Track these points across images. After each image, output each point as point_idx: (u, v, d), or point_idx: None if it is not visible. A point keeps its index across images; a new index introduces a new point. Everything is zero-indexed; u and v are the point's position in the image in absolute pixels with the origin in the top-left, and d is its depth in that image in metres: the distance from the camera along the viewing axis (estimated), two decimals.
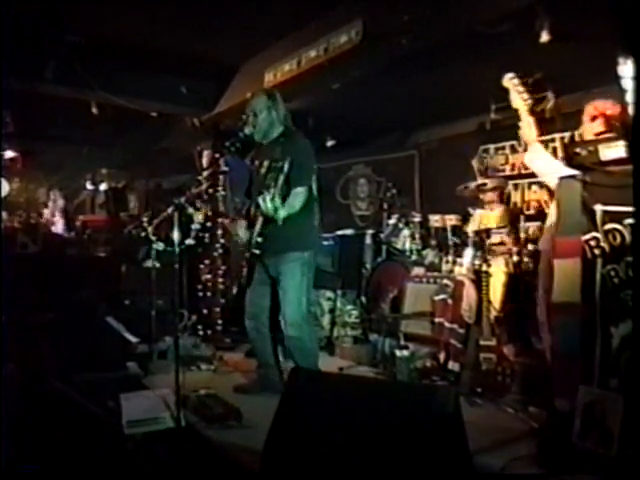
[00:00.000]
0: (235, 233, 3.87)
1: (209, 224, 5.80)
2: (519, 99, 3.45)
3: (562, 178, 2.78)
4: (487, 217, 4.63)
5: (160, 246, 4.97)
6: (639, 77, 1.31)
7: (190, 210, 5.26)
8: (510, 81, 3.46)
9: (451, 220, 5.17)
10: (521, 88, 3.43)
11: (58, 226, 8.10)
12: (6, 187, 7.61)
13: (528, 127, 3.54)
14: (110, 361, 4.01)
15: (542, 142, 3.54)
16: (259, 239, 3.51)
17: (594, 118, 3.56)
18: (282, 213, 3.30)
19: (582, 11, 3.69)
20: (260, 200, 3.28)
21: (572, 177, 2.68)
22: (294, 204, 3.41)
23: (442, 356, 4.04)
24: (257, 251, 3.54)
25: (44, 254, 6.48)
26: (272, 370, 3.81)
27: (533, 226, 4.63)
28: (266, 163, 3.58)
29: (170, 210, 3.16)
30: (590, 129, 3.58)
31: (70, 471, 2.53)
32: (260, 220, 3.47)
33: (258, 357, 3.94)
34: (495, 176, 5.95)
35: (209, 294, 5.69)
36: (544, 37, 3.81)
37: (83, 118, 6.23)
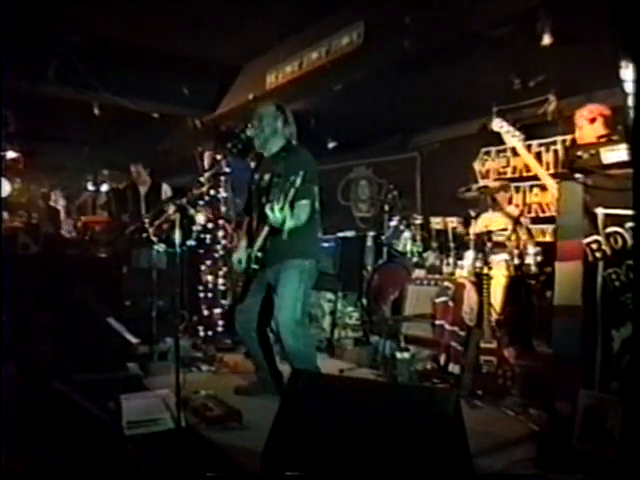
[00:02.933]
0: (235, 258, 3.86)
1: (210, 225, 5.80)
2: (512, 139, 3.55)
3: (563, 181, 2.78)
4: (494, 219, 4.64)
5: (161, 247, 4.97)
6: (638, 78, 1.32)
7: (191, 211, 5.26)
8: (498, 126, 3.58)
9: (452, 222, 5.17)
10: (510, 129, 3.54)
11: (59, 227, 8.10)
12: (7, 187, 7.60)
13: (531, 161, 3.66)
14: (110, 362, 4.01)
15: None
16: (259, 254, 3.50)
17: (593, 120, 3.58)
18: (290, 223, 3.30)
19: (583, 14, 3.69)
20: (268, 210, 3.25)
21: (574, 180, 2.68)
22: (300, 216, 3.39)
23: (443, 358, 4.04)
24: (256, 266, 3.54)
25: (45, 254, 6.47)
26: (268, 373, 3.81)
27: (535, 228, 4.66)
28: (267, 177, 3.58)
29: (171, 211, 3.16)
30: (592, 131, 3.60)
31: (70, 472, 2.52)
32: (264, 233, 3.44)
33: (253, 361, 3.93)
34: (499, 178, 6.01)
35: (210, 295, 5.69)
36: (545, 40, 3.81)
37: (85, 119, 6.24)
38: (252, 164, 3.98)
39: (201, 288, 5.72)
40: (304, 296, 3.57)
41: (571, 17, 3.79)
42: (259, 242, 3.48)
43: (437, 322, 4.19)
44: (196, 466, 2.76)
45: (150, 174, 6.05)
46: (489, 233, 4.30)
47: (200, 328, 5.48)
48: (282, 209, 3.20)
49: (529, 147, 5.90)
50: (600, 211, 2.56)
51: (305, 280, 3.56)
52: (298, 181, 3.18)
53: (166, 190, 6.02)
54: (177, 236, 3.09)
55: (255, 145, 3.67)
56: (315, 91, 5.49)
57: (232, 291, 5.74)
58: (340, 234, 6.56)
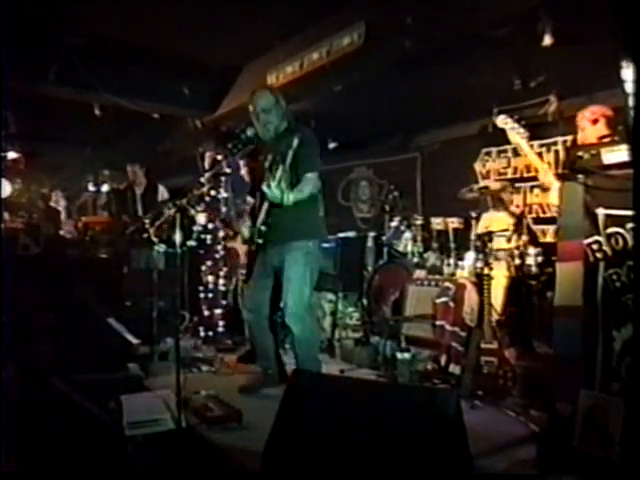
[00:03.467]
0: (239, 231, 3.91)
1: (211, 225, 5.80)
2: (516, 136, 3.54)
3: (564, 181, 2.78)
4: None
5: (162, 248, 4.97)
6: (638, 79, 1.31)
7: (192, 211, 5.26)
8: (503, 122, 3.57)
9: (453, 223, 5.17)
10: (515, 125, 3.53)
11: (60, 227, 8.11)
12: (8, 188, 7.61)
13: (535, 159, 3.64)
14: (111, 362, 4.01)
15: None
16: (263, 227, 3.53)
17: (595, 121, 3.59)
18: (290, 197, 3.35)
19: (583, 14, 3.69)
20: (265, 187, 3.33)
21: (574, 180, 2.68)
22: (303, 189, 3.42)
23: (443, 359, 4.03)
24: (260, 240, 3.56)
25: (46, 255, 6.48)
26: (272, 363, 3.81)
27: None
28: (270, 157, 3.61)
29: (172, 211, 3.16)
30: (594, 132, 3.60)
31: (70, 472, 2.52)
32: (264, 208, 3.49)
33: (257, 351, 3.92)
34: (500, 179, 6.01)
35: (210, 295, 5.69)
36: (546, 41, 3.81)
37: (85, 119, 6.25)
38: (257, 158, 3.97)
39: (201, 288, 5.72)
40: (310, 280, 3.58)
41: (571, 17, 3.79)
42: (262, 216, 3.53)
43: (438, 323, 4.18)
44: (196, 466, 2.76)
45: (146, 175, 6.06)
46: (490, 234, 4.30)
47: (201, 328, 5.48)
48: (279, 183, 3.28)
49: (530, 147, 5.90)
50: (601, 211, 2.56)
51: (310, 262, 3.57)
52: (295, 142, 3.29)
53: (162, 192, 6.03)
54: (177, 236, 3.09)
55: (264, 137, 3.65)
56: (316, 91, 5.49)
57: (234, 288, 5.73)
58: (341, 234, 6.56)
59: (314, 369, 3.50)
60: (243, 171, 5.35)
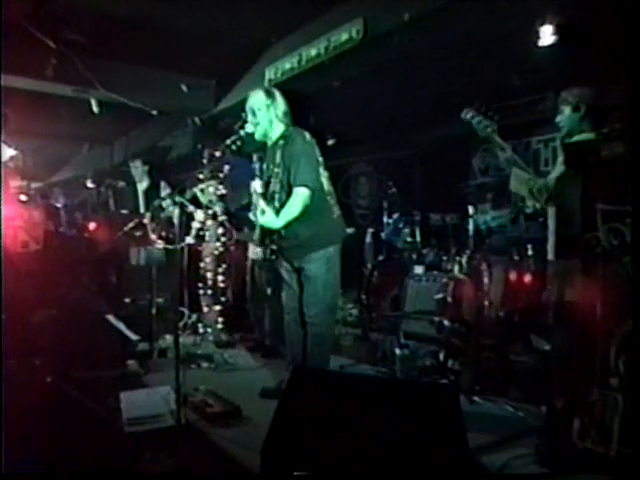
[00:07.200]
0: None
1: (210, 222, 5.80)
2: (482, 129, 3.44)
3: (562, 176, 2.78)
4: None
5: (160, 244, 4.98)
6: (638, 77, 1.31)
7: (190, 208, 5.25)
8: (467, 116, 3.47)
9: (452, 219, 5.17)
10: (479, 118, 3.43)
11: (59, 225, 8.10)
12: (8, 152, 7.56)
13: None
14: (110, 359, 4.01)
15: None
16: (273, 247, 3.52)
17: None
18: (279, 223, 3.34)
19: (584, 12, 3.69)
20: (252, 216, 3.44)
21: (573, 176, 2.68)
22: (292, 208, 3.33)
23: (442, 355, 4.04)
24: (272, 257, 3.56)
25: (45, 252, 6.48)
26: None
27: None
28: (269, 167, 3.57)
29: (170, 208, 3.16)
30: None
31: (70, 469, 2.53)
32: (258, 229, 3.52)
33: (289, 352, 3.76)
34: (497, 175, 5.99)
35: (209, 292, 5.70)
36: (546, 39, 3.81)
37: (85, 116, 6.24)
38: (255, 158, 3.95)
39: (200, 285, 5.72)
40: (334, 281, 3.53)
41: (571, 15, 3.79)
42: (259, 235, 3.54)
43: (436, 318, 4.19)
44: (196, 463, 2.77)
45: (149, 171, 6.07)
46: (488, 229, 4.30)
47: (200, 325, 5.49)
48: (263, 212, 3.31)
49: (528, 144, 5.90)
50: (599, 207, 2.56)
51: (332, 267, 3.49)
52: (285, 156, 3.38)
53: (164, 188, 6.02)
54: (176, 233, 3.10)
55: (256, 137, 3.59)
56: (314, 87, 5.49)
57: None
58: None
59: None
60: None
